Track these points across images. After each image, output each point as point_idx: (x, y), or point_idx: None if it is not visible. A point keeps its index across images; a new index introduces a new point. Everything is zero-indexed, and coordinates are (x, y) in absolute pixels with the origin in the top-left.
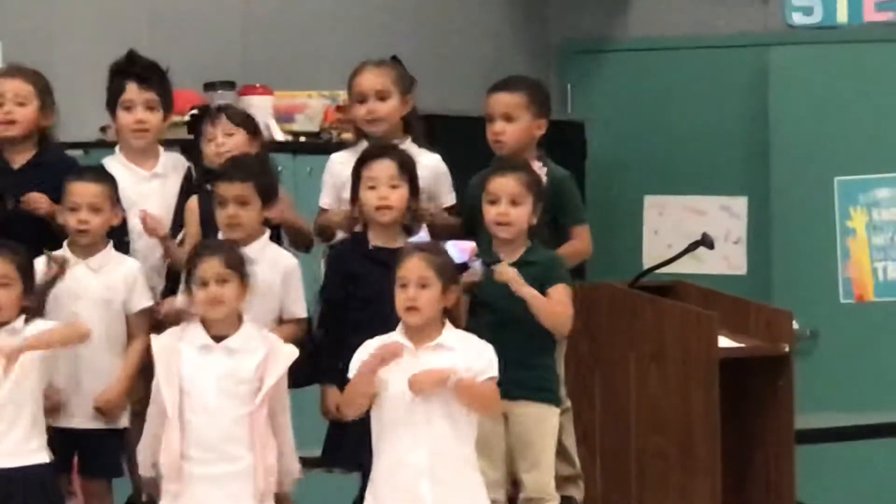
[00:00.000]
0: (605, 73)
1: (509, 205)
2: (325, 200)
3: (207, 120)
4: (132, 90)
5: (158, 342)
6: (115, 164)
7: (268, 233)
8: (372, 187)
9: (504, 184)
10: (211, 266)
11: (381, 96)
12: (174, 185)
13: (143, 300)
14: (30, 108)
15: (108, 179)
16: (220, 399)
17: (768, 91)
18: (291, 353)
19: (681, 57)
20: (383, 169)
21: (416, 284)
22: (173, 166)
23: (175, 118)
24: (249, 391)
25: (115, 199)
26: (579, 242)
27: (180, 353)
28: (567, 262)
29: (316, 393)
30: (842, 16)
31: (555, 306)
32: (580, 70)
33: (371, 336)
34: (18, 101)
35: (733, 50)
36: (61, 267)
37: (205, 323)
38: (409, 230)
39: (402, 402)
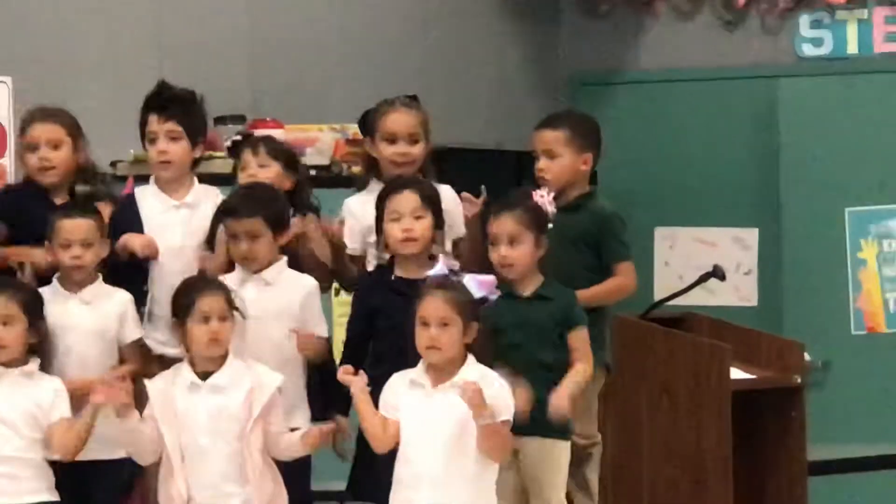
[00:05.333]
0: (615, 105)
1: (508, 245)
2: (352, 246)
3: (246, 148)
4: (153, 122)
5: (154, 386)
6: (145, 192)
7: (285, 258)
8: (396, 219)
9: (500, 224)
10: (214, 302)
11: (414, 139)
12: (205, 215)
13: (135, 331)
14: (65, 150)
15: (95, 213)
16: (213, 438)
17: (779, 122)
18: (275, 380)
19: (691, 88)
20: (407, 201)
21: (437, 324)
22: (206, 196)
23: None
24: (240, 426)
25: (103, 231)
26: (622, 278)
27: (175, 394)
28: (602, 299)
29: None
30: (852, 47)
31: (581, 369)
32: (591, 101)
33: (391, 367)
34: (53, 146)
35: (743, 81)
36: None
37: (191, 362)
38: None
39: (416, 439)
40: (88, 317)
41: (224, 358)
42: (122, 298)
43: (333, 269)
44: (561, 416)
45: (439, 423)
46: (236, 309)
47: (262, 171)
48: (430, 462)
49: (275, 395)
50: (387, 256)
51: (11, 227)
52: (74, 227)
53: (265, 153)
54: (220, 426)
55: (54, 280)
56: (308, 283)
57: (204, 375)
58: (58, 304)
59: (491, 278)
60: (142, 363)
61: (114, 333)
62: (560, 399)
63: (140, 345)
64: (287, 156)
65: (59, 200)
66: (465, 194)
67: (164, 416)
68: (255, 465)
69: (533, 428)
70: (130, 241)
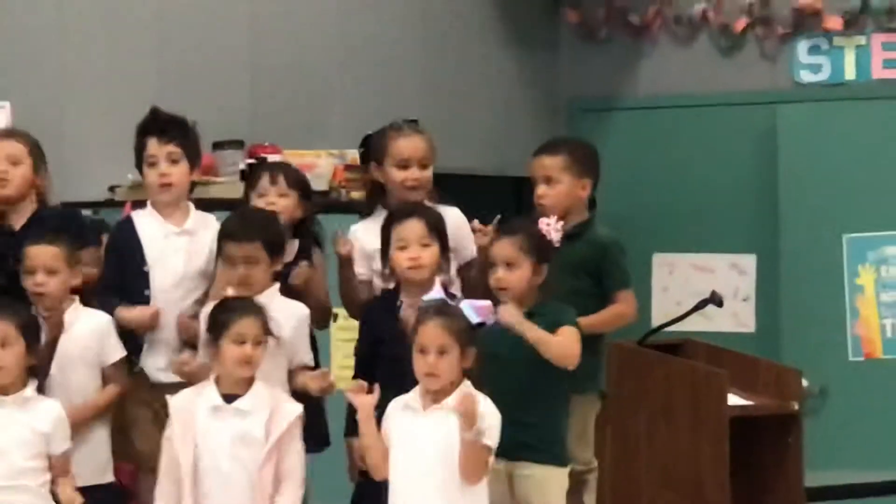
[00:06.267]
0: (613, 131)
1: (505, 269)
2: (359, 271)
3: (264, 174)
4: (153, 145)
5: (175, 403)
6: (144, 217)
7: (276, 285)
8: (402, 247)
9: (499, 248)
10: (251, 326)
11: (424, 163)
12: (203, 241)
13: (116, 352)
14: (23, 168)
15: (64, 241)
16: (233, 463)
17: (777, 148)
18: (294, 410)
19: (689, 115)
20: (413, 229)
21: (435, 352)
22: (203, 224)
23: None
24: (258, 452)
25: (72, 260)
26: (623, 306)
27: (195, 414)
28: (602, 327)
29: (340, 451)
30: (850, 73)
31: (560, 340)
32: (589, 128)
33: (398, 392)
34: (12, 161)
35: (742, 108)
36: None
37: (218, 382)
38: (445, 287)
39: (406, 462)
40: (67, 342)
41: (250, 381)
42: (99, 320)
43: (342, 294)
44: (503, 316)
45: (427, 443)
46: (270, 333)
47: (281, 199)
48: (420, 483)
49: (294, 425)
50: (391, 284)
51: (17, 263)
52: (38, 253)
53: (284, 182)
54: (240, 452)
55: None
56: (299, 310)
57: (228, 398)
58: None
59: (488, 303)
60: (126, 383)
61: (95, 355)
62: (510, 313)
63: (124, 364)
64: (303, 185)
65: (16, 226)
66: (476, 224)
67: (183, 436)
68: (263, 490)
69: (529, 454)
70: (128, 318)
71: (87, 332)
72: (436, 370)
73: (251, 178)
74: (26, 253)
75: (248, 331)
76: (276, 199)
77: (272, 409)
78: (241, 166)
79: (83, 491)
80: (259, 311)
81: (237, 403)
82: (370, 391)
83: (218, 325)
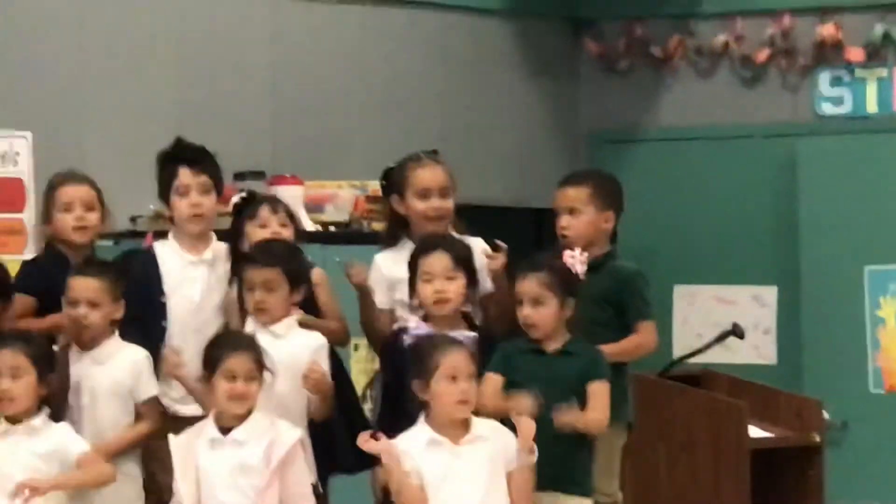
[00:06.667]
0: (634, 162)
1: (531, 306)
2: (379, 298)
3: (263, 206)
4: (185, 175)
5: (176, 442)
6: (164, 247)
7: (295, 315)
8: (428, 280)
9: (525, 285)
10: (242, 362)
11: (445, 193)
12: (222, 271)
13: (150, 388)
14: (97, 214)
15: (109, 274)
16: (234, 493)
17: (797, 181)
18: (294, 435)
19: (710, 146)
20: (439, 262)
21: (467, 378)
22: (224, 254)
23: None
24: (259, 480)
25: (116, 293)
26: (643, 336)
27: (197, 450)
28: (622, 356)
29: (363, 477)
30: (871, 106)
31: (589, 414)
32: (610, 159)
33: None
34: (88, 208)
35: (763, 140)
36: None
37: (217, 416)
38: (471, 320)
39: (449, 496)
40: (101, 375)
41: (248, 412)
42: (136, 355)
43: (364, 323)
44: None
45: (470, 477)
46: (265, 368)
47: (284, 230)
48: None
49: (294, 450)
50: (420, 315)
51: (39, 299)
52: (82, 286)
53: (284, 213)
54: (239, 481)
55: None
56: (317, 340)
57: (226, 431)
58: (71, 363)
59: (472, 335)
60: (158, 421)
61: (128, 391)
62: (563, 418)
63: (156, 402)
64: (294, 217)
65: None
66: (485, 249)
67: (184, 472)
68: None
69: (554, 484)
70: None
71: (124, 367)
72: (467, 395)
73: (247, 210)
74: (70, 284)
75: (238, 367)
76: (280, 230)
77: (272, 438)
78: (235, 199)
79: None
80: (251, 346)
81: (234, 434)
82: (377, 438)
83: (211, 362)
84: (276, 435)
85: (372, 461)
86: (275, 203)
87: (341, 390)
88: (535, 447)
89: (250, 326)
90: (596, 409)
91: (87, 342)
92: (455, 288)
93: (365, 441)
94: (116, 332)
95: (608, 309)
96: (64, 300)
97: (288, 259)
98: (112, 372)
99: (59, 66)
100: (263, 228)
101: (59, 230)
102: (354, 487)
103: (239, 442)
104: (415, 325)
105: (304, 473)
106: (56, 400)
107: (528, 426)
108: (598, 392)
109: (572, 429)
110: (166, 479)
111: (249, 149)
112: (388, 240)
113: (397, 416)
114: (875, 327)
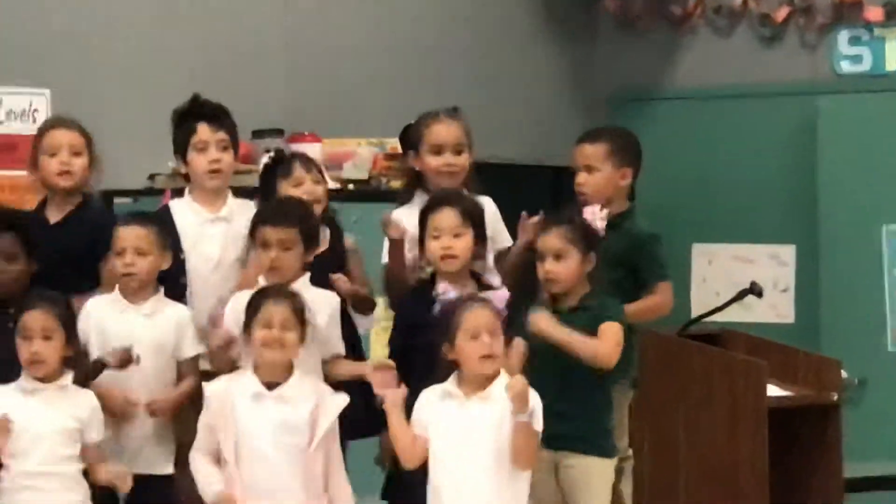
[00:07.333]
0: (653, 122)
1: (553, 260)
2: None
3: (296, 163)
4: (204, 131)
5: (211, 389)
6: (181, 204)
7: (308, 274)
8: (436, 237)
9: (547, 240)
10: (279, 311)
11: (459, 150)
12: (240, 228)
13: (194, 347)
14: (83, 160)
15: (156, 224)
16: (276, 449)
17: (817, 139)
18: (342, 401)
19: (729, 105)
20: (446, 218)
21: (489, 334)
22: (241, 211)
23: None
24: (303, 440)
25: (163, 243)
26: (659, 297)
27: (233, 401)
28: (638, 316)
29: (372, 442)
30: (891, 64)
31: (593, 341)
32: (629, 118)
33: (433, 382)
34: (74, 152)
35: (782, 98)
36: (121, 364)
37: (256, 370)
38: (478, 277)
39: (453, 448)
40: (148, 330)
41: (289, 371)
42: (181, 313)
43: (390, 278)
44: (535, 328)
45: (476, 433)
46: (304, 320)
47: (318, 187)
48: (468, 471)
49: (336, 423)
50: (429, 271)
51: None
52: (129, 234)
53: (316, 170)
54: (282, 439)
55: (116, 289)
56: (332, 299)
57: (269, 387)
58: (118, 315)
59: (506, 294)
60: (199, 379)
61: (171, 348)
62: (540, 322)
63: (197, 360)
64: (323, 174)
65: (53, 218)
66: (524, 215)
67: (221, 421)
68: (315, 480)
69: (572, 445)
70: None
71: (168, 325)
72: (493, 351)
73: (281, 168)
74: (116, 234)
75: (274, 314)
76: (314, 187)
77: (317, 400)
78: (265, 159)
79: (142, 478)
80: (291, 297)
81: (280, 390)
82: (398, 385)
83: (250, 311)
84: (321, 397)
85: (384, 425)
86: (306, 161)
87: (355, 353)
88: (535, 406)
89: (263, 285)
90: (602, 342)
91: (134, 293)
92: (462, 244)
93: (381, 384)
94: (162, 290)
95: (620, 270)
96: (111, 252)
97: (304, 218)
98: (158, 327)
99: (78, 25)
100: (298, 187)
101: (44, 176)
102: (366, 450)
103: (284, 398)
104: (442, 291)
105: (338, 442)
106: (78, 361)
107: (516, 384)
108: (607, 329)
109: (545, 334)
110: (185, 437)
111: (267, 106)
112: (403, 196)
113: (403, 372)
114: (893, 286)
